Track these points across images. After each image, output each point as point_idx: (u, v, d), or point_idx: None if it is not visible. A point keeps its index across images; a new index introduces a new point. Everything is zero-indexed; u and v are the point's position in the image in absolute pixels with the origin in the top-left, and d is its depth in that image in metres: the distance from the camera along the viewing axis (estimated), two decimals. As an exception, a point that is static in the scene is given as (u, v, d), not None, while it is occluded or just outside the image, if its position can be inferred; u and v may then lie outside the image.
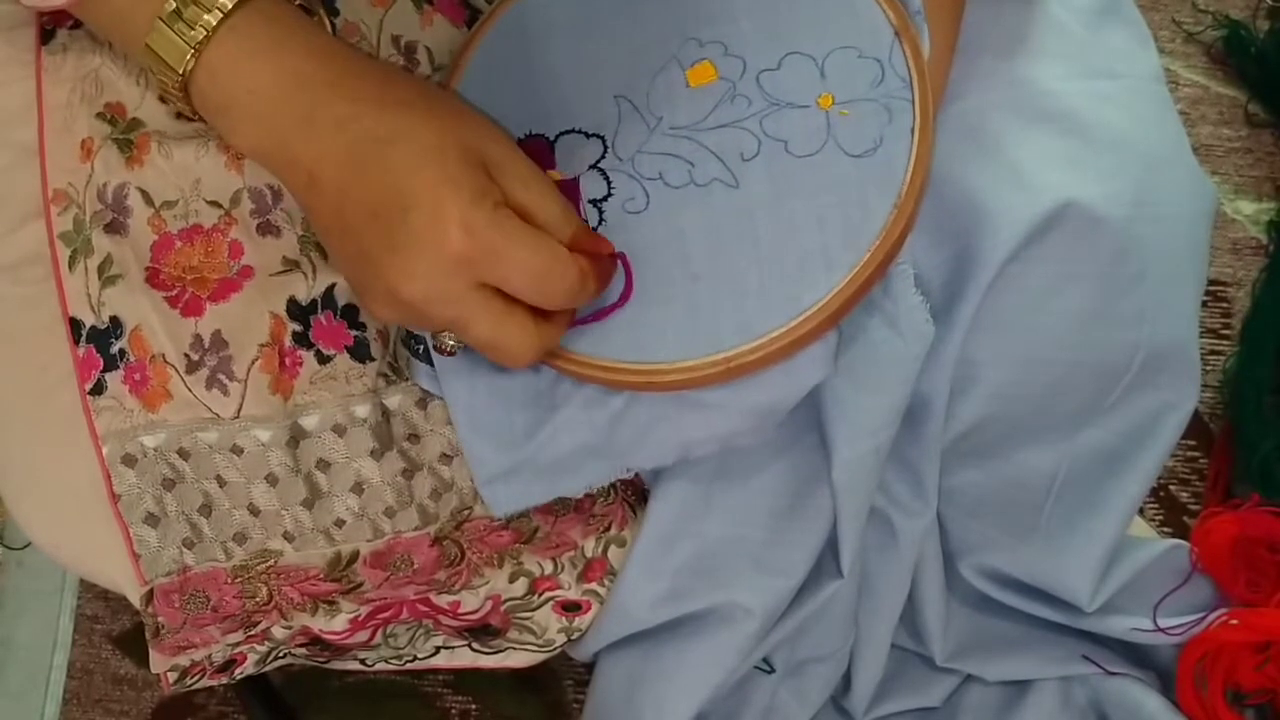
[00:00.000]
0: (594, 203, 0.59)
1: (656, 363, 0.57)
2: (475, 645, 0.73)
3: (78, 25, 0.63)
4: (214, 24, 0.52)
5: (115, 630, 0.99)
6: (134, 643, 0.98)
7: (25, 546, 1.00)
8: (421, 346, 0.62)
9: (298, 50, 0.53)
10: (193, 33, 0.52)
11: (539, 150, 0.59)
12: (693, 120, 0.59)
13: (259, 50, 0.53)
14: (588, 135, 0.59)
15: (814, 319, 0.56)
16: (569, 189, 0.59)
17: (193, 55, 0.52)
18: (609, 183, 0.59)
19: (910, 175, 0.56)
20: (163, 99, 0.61)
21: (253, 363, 0.60)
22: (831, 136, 0.57)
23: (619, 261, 0.57)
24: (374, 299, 0.53)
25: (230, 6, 0.52)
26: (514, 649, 0.72)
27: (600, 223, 0.59)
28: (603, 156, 0.59)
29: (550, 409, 0.61)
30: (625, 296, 0.57)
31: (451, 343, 0.57)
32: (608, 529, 0.69)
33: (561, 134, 0.60)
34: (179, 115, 0.61)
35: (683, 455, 0.61)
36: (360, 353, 0.61)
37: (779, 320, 0.56)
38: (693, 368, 0.56)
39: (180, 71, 0.53)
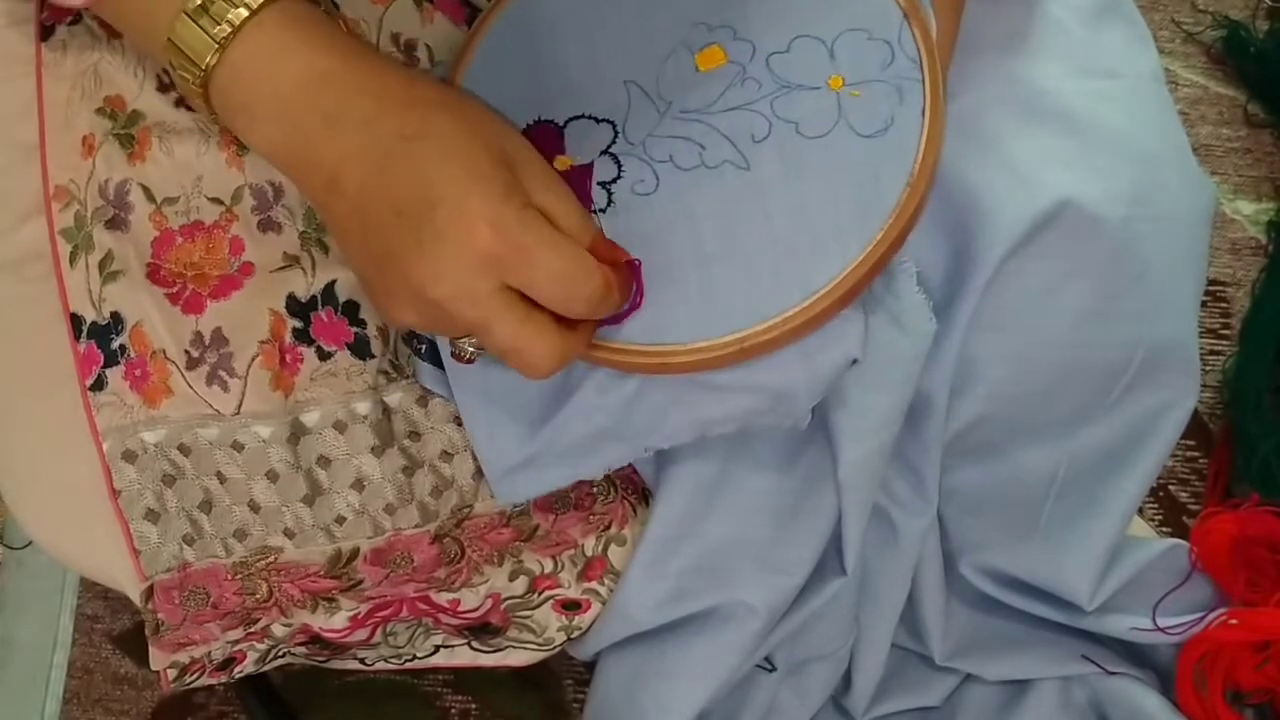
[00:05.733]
0: (603, 184, 0.58)
1: (670, 344, 0.56)
2: (475, 644, 0.73)
3: (76, 21, 0.63)
4: (241, 19, 0.51)
5: (116, 630, 0.99)
6: (134, 642, 0.98)
7: (25, 546, 1.00)
8: (424, 346, 0.62)
9: (323, 49, 0.52)
10: (218, 28, 0.51)
11: (548, 136, 0.59)
12: (703, 104, 0.58)
13: (285, 49, 0.52)
14: (598, 120, 0.59)
15: (828, 298, 0.55)
16: (582, 175, 0.58)
17: (217, 51, 0.51)
18: (619, 165, 0.58)
19: (922, 154, 0.56)
20: (162, 89, 0.61)
21: (253, 359, 0.60)
22: (842, 117, 0.57)
23: (634, 269, 0.57)
24: (396, 302, 0.52)
25: (258, 4, 0.51)
26: (514, 648, 0.72)
27: (609, 204, 0.58)
28: (614, 141, 0.59)
29: (564, 394, 0.60)
30: (637, 303, 0.57)
31: (471, 349, 0.55)
32: (608, 528, 0.69)
33: (571, 120, 0.59)
34: (178, 104, 0.61)
35: (701, 433, 0.61)
36: (361, 350, 0.61)
37: (793, 300, 0.55)
38: (707, 348, 0.56)
39: (203, 67, 0.51)
